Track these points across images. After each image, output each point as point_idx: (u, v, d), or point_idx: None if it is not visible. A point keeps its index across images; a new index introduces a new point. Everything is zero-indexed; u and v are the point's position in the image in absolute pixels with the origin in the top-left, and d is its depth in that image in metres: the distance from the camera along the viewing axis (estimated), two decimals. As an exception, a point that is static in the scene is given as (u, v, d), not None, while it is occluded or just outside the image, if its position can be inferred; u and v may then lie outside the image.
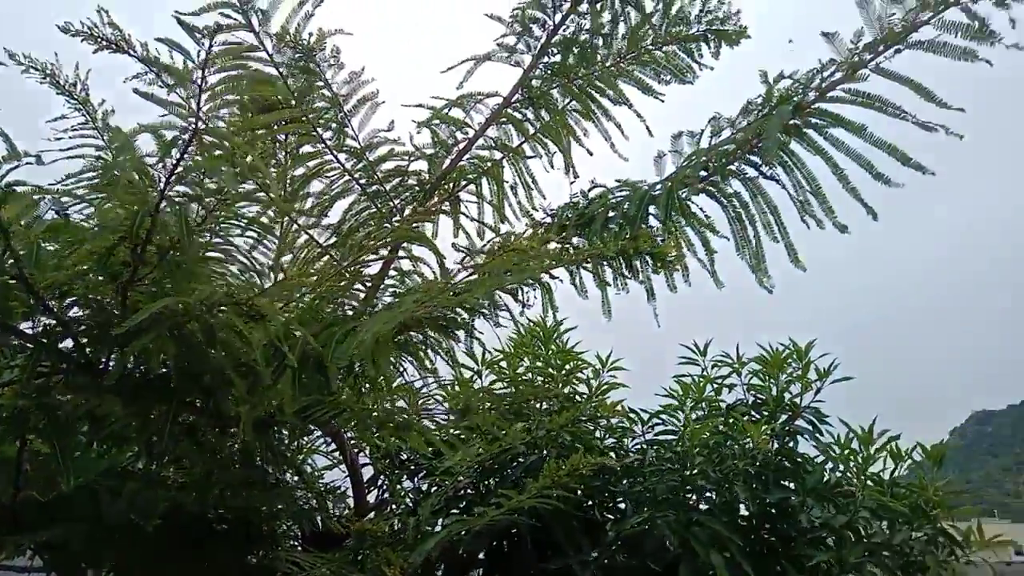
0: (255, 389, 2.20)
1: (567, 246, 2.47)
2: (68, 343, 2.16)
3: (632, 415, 3.72)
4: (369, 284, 2.98)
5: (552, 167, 3.14)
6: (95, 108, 2.98)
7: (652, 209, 2.55)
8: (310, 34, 2.57)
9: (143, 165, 2.14)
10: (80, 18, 2.45)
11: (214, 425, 2.51)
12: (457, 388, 3.74)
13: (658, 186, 2.41)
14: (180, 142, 1.85)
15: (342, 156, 2.87)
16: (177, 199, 1.99)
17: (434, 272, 3.04)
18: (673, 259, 2.28)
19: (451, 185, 3.11)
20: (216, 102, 1.79)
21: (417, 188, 3.02)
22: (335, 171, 2.90)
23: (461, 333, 2.73)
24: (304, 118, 2.71)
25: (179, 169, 1.88)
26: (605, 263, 2.42)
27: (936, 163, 2.03)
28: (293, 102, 2.64)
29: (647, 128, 2.94)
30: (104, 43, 2.51)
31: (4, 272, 1.90)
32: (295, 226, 2.99)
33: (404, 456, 3.73)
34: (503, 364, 3.97)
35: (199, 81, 1.73)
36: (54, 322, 2.08)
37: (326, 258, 3.06)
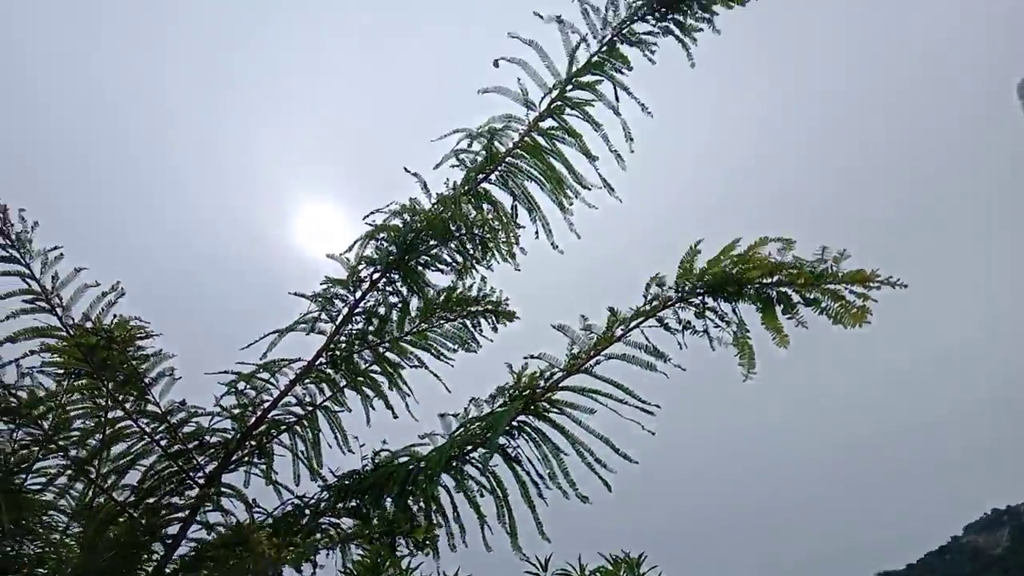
0: None
1: (330, 528, 2.64)
2: None
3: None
4: (170, 542, 3.04)
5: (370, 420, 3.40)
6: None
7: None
8: (114, 317, 2.82)
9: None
10: None
11: None
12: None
13: (422, 463, 2.66)
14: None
15: (143, 420, 3.01)
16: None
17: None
18: (429, 538, 2.47)
19: (261, 439, 3.28)
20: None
21: (221, 445, 3.16)
22: (136, 434, 3.03)
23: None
24: (103, 388, 2.88)
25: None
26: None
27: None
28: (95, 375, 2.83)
29: (445, 387, 3.28)
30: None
31: None
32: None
33: None
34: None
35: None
36: None
37: (123, 517, 3.10)
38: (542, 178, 2.95)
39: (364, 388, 3.29)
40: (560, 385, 2.51)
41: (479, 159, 3.10)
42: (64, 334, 2.78)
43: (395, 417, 3.42)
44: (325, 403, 3.34)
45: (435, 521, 2.59)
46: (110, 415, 3.00)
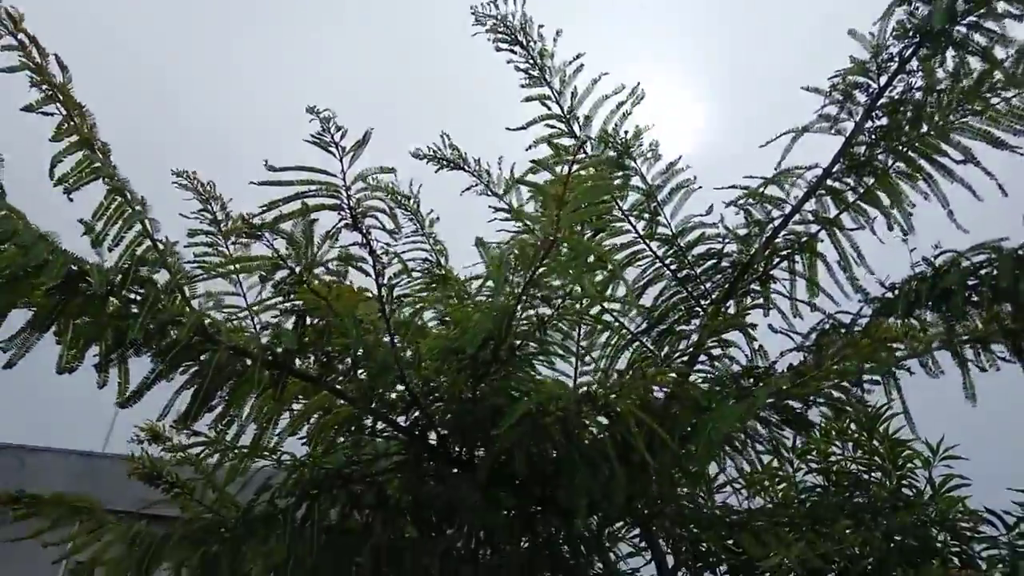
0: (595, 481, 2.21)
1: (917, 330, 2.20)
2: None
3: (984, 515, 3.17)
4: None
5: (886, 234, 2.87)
6: (424, 217, 3.38)
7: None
8: (625, 132, 2.67)
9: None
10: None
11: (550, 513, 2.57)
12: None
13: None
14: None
15: (654, 244, 2.89)
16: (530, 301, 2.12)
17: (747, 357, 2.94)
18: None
19: (763, 264, 2.98)
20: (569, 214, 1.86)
21: (729, 269, 2.93)
22: (647, 259, 2.92)
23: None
24: (619, 210, 2.79)
25: (537, 274, 2.01)
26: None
27: None
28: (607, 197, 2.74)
29: (1000, 187, 2.58)
30: (445, 163, 2.84)
31: (390, 371, 2.14)
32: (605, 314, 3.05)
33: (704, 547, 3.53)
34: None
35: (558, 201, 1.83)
36: (423, 416, 2.30)
37: (636, 344, 3.08)
38: None
39: (888, 196, 2.74)
40: None
41: None
42: (582, 156, 2.71)
43: (904, 235, 2.82)
44: (839, 216, 2.88)
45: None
46: (620, 240, 2.94)
